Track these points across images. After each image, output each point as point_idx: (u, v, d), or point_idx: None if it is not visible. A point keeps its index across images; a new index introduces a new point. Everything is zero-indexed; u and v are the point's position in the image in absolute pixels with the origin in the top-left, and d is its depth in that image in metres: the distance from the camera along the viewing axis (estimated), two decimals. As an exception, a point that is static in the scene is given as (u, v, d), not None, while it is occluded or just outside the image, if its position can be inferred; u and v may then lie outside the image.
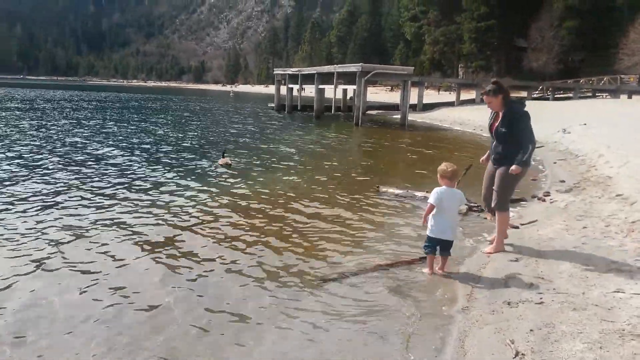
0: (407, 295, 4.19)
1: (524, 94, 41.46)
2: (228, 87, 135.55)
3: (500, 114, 5.01)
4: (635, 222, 5.61)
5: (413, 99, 31.88)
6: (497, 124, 5.05)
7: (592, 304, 3.62)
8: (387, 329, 3.60)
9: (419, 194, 7.93)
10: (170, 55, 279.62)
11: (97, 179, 9.08)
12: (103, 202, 7.32)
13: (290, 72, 35.02)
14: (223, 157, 11.35)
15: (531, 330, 3.32)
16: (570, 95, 41.98)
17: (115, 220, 6.36)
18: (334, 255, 5.25)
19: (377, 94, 55.43)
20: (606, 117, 19.63)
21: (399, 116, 27.29)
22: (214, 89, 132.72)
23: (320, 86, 30.29)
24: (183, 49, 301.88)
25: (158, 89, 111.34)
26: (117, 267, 4.81)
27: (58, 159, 11.27)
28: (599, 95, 43.87)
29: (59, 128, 18.48)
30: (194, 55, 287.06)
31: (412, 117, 29.05)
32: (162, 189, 8.45)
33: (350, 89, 29.68)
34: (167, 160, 11.77)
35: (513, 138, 4.90)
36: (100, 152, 12.65)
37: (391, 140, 18.88)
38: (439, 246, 4.55)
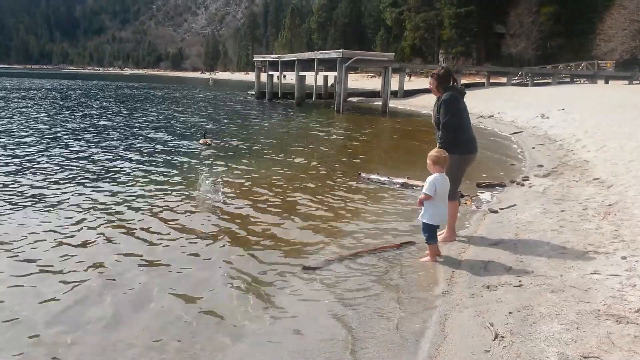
0: (388, 280, 4.21)
1: (503, 79, 41.80)
2: (207, 75, 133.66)
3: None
4: (612, 205, 5.71)
5: (394, 85, 31.94)
6: (433, 112, 5.09)
7: (569, 286, 3.68)
8: (368, 315, 3.61)
9: (399, 180, 7.96)
10: (147, 42, 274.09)
11: (82, 161, 8.95)
12: (85, 182, 7.20)
13: (271, 59, 34.73)
14: (204, 137, 12.40)
15: (510, 312, 3.36)
16: (549, 80, 42.46)
17: (90, 202, 6.26)
18: (315, 242, 5.25)
19: (359, 81, 55.35)
20: (584, 102, 19.91)
21: (380, 103, 27.34)
22: (192, 77, 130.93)
23: (301, 73, 30.12)
24: (160, 36, 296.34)
25: (135, 77, 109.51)
26: (89, 253, 4.77)
27: (45, 147, 11.06)
28: (577, 81, 44.49)
29: (41, 116, 18.06)
30: (172, 42, 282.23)
31: (393, 103, 29.10)
32: (141, 175, 8.34)
33: (331, 75, 29.57)
34: (147, 149, 11.60)
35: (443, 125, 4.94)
36: (86, 137, 12.41)
37: (372, 127, 18.90)
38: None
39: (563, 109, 16.87)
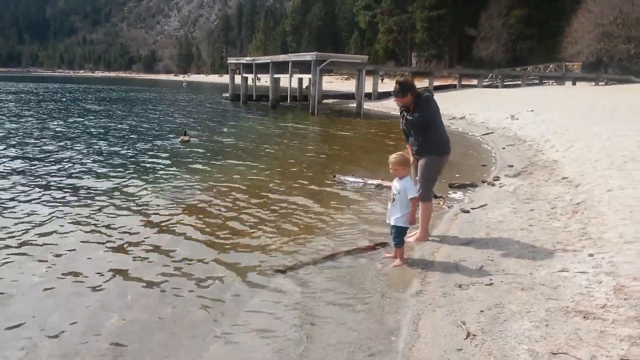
0: (362, 282, 4.22)
1: (474, 82, 42.52)
2: (180, 77, 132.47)
3: (412, 107, 5.03)
4: (579, 204, 5.85)
5: (368, 87, 32.15)
6: (409, 116, 5.06)
7: (539, 284, 3.75)
8: (341, 316, 3.61)
9: (374, 181, 8.01)
10: (119, 44, 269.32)
11: (56, 166, 8.73)
12: (53, 182, 7.03)
13: (245, 62, 34.58)
14: (185, 135, 12.86)
15: (481, 311, 3.41)
16: (519, 82, 43.35)
17: (63, 203, 6.11)
18: (290, 244, 5.23)
19: (333, 83, 55.55)
20: (552, 103, 20.37)
21: (354, 105, 27.48)
22: (165, 79, 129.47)
23: (276, 75, 30.08)
24: (132, 38, 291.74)
25: (106, 80, 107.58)
26: (66, 257, 4.67)
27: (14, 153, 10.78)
28: (546, 82, 45.56)
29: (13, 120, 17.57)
30: (144, 44, 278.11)
31: (368, 105, 29.29)
32: (115, 174, 8.20)
33: (306, 78, 29.60)
34: (121, 151, 11.41)
35: (425, 127, 4.98)
36: (63, 141, 12.11)
37: (347, 129, 18.97)
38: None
39: (532, 110, 17.23)
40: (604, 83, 43.80)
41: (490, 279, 3.92)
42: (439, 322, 3.38)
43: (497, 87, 40.47)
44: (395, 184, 4.55)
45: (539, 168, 8.61)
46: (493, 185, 7.78)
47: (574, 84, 43.34)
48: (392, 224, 4.55)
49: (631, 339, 2.88)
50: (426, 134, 4.97)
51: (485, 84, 42.21)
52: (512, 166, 9.24)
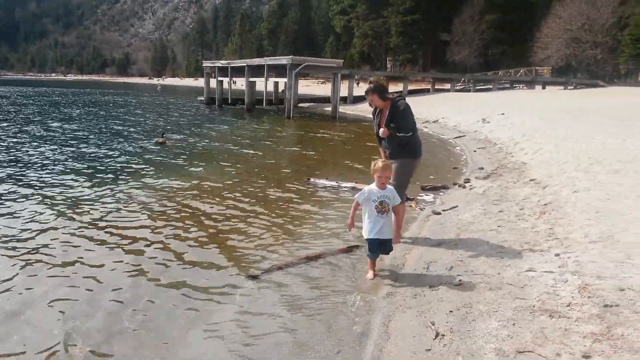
0: (335, 284, 4.23)
1: (447, 86, 43.12)
2: (155, 80, 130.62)
3: (387, 112, 5.08)
4: (547, 205, 5.98)
5: (344, 91, 32.31)
6: (385, 122, 5.09)
7: (506, 283, 3.82)
8: (314, 319, 3.61)
9: (348, 184, 8.04)
10: (92, 47, 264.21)
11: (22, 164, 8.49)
12: (25, 184, 6.84)
13: (220, 65, 34.34)
14: (162, 137, 12.92)
15: (450, 311, 3.45)
16: (490, 86, 44.15)
17: (26, 206, 5.96)
18: (264, 247, 5.20)
19: (309, 87, 55.60)
20: (522, 107, 20.79)
21: (330, 108, 27.57)
22: (139, 82, 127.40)
23: (251, 79, 29.96)
24: (105, 40, 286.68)
25: (79, 83, 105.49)
26: (29, 258, 4.56)
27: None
28: (517, 86, 46.53)
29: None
30: (118, 46, 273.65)
31: (343, 109, 29.42)
32: (87, 179, 8.05)
33: (282, 81, 29.57)
34: (95, 154, 11.19)
35: (400, 130, 5.00)
36: (37, 144, 11.80)
37: (322, 132, 19.01)
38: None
39: (503, 114, 17.55)
40: (572, 87, 44.90)
41: (460, 280, 3.97)
42: (409, 323, 3.41)
43: (469, 91, 41.12)
44: (386, 194, 4.26)
45: (509, 170, 8.77)
46: (464, 187, 7.89)
47: (543, 88, 44.35)
48: (385, 237, 4.28)
49: (594, 335, 2.95)
50: (411, 138, 5.02)
51: (458, 88, 42.83)
52: (482, 168, 9.39)
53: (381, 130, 5.04)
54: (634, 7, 46.56)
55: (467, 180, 8.30)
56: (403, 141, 4.99)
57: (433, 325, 3.28)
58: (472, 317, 3.34)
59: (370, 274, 4.33)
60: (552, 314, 3.27)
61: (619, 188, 6.05)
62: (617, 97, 28.78)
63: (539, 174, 7.72)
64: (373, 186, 4.29)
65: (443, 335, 3.14)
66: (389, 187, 4.34)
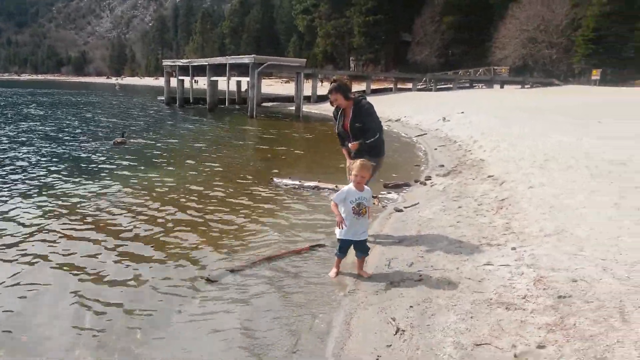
0: (297, 283, 4.21)
1: (409, 85, 43.76)
2: (113, 80, 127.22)
3: (350, 112, 5.04)
4: (504, 200, 6.14)
5: (308, 91, 32.32)
6: (349, 121, 5.06)
7: (465, 278, 3.89)
8: (275, 320, 3.58)
9: (311, 183, 8.03)
10: (47, 45, 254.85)
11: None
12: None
13: (181, 64, 33.76)
14: (122, 136, 12.80)
15: (411, 306, 3.49)
16: (451, 86, 45.06)
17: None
18: (225, 248, 5.13)
19: (273, 86, 55.39)
20: (481, 105, 21.31)
21: (293, 108, 27.52)
22: (97, 82, 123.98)
23: (213, 78, 29.56)
24: (61, 39, 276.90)
25: (34, 83, 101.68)
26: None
27: None
28: (476, 86, 47.70)
29: None
30: (74, 45, 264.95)
31: (307, 108, 29.42)
32: (48, 180, 7.73)
33: (244, 81, 29.33)
34: (51, 154, 10.79)
35: (367, 131, 4.98)
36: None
37: (286, 132, 18.96)
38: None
39: (462, 113, 17.93)
40: (529, 86, 46.39)
41: (420, 275, 4.02)
42: (371, 320, 3.42)
43: (430, 90, 41.84)
44: (364, 195, 4.18)
45: (468, 167, 8.96)
46: (425, 184, 8.01)
47: (502, 87, 45.65)
48: (361, 239, 4.22)
49: (548, 326, 3.04)
50: (377, 137, 4.98)
51: (419, 87, 43.54)
52: (442, 166, 9.57)
53: (351, 144, 4.97)
54: (587, 9, 48.45)
55: (428, 178, 8.43)
56: (371, 144, 4.95)
57: (394, 321, 3.31)
58: (432, 311, 3.39)
59: (332, 272, 4.32)
60: (509, 306, 3.35)
61: (572, 184, 6.27)
62: (571, 95, 29.89)
63: (497, 170, 7.92)
64: (351, 187, 4.19)
65: (403, 330, 3.18)
66: (367, 188, 4.26)
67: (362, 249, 4.26)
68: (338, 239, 4.26)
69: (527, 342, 2.88)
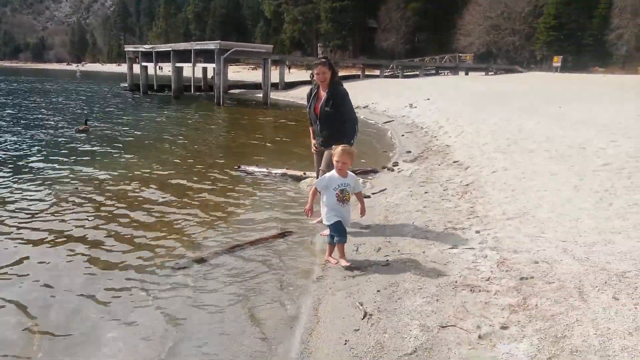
0: (265, 271, 4.18)
1: (377, 72, 43.93)
2: (74, 66, 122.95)
3: (323, 94, 4.91)
4: (468, 185, 6.25)
5: (275, 78, 32.05)
6: (320, 105, 4.91)
7: (430, 261, 3.95)
8: (243, 308, 3.56)
9: (278, 171, 7.98)
10: (2, 31, 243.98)
11: None
12: None
13: (143, 49, 32.87)
14: (85, 124, 12.59)
15: (378, 291, 3.52)
16: (417, 72, 45.48)
17: None
18: (192, 237, 5.06)
19: (240, 73, 54.77)
20: (447, 92, 21.60)
21: (261, 95, 27.25)
22: (57, 69, 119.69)
23: (178, 64, 28.95)
24: (18, 24, 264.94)
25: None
26: None
27: None
28: (442, 72, 48.25)
29: None
30: (32, 31, 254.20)
31: (275, 95, 29.18)
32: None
33: (210, 67, 28.83)
34: (9, 142, 10.38)
35: (338, 117, 4.88)
36: None
37: (253, 119, 18.78)
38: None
39: (428, 99, 18.14)
40: (493, 73, 47.27)
41: (387, 260, 4.06)
42: (338, 305, 3.44)
43: (397, 77, 42.15)
44: (347, 182, 4.06)
45: (434, 153, 9.08)
46: (392, 170, 8.08)
47: (466, 73, 46.34)
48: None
49: (511, 307, 3.11)
50: (354, 124, 4.89)
51: (387, 74, 43.78)
52: (409, 152, 9.66)
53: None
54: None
55: (396, 164, 8.50)
56: (346, 128, 4.82)
57: (361, 305, 3.33)
58: (399, 295, 3.43)
59: (343, 262, 4.07)
60: (473, 288, 3.42)
61: (533, 167, 6.43)
62: (533, 81, 30.59)
63: (462, 156, 8.05)
64: (334, 173, 4.07)
65: (371, 315, 3.20)
66: (351, 174, 4.15)
67: (339, 232, 4.09)
68: (328, 226, 4.12)
69: (491, 323, 2.94)
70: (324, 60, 4.89)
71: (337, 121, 4.89)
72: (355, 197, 4.27)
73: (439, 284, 3.53)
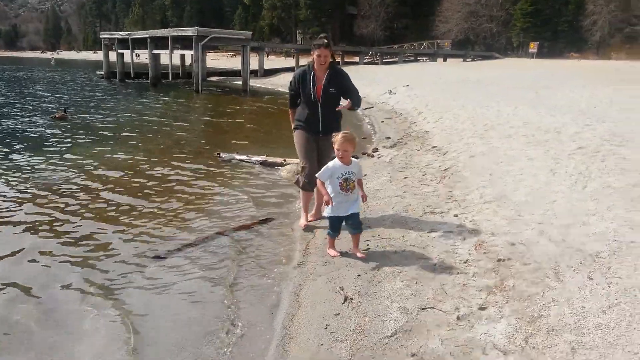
0: (246, 259, 4.18)
1: (356, 59, 43.84)
2: (49, 54, 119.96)
3: (322, 76, 4.57)
4: (447, 170, 6.31)
5: (255, 65, 31.75)
6: (322, 86, 4.55)
7: (410, 245, 3.99)
8: (224, 296, 3.56)
9: (259, 158, 7.95)
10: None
11: None
12: None
13: (120, 36, 32.23)
14: (64, 112, 12.53)
15: (358, 275, 3.54)
16: (396, 59, 45.54)
17: None
18: (172, 225, 5.02)
19: (219, 60, 54.06)
20: (425, 78, 21.70)
21: (240, 82, 26.98)
22: (31, 57, 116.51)
23: (155, 51, 28.47)
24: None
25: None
26: None
27: None
28: (420, 59, 48.42)
29: None
30: (4, 18, 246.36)
31: (254, 82, 28.94)
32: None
33: (189, 54, 28.41)
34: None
35: (339, 100, 4.65)
36: None
37: (232, 107, 18.59)
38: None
39: (407, 85, 18.19)
40: (471, 59, 47.61)
41: (367, 245, 4.08)
42: (319, 290, 3.45)
43: (377, 63, 42.14)
44: (351, 169, 3.84)
45: (413, 139, 9.13)
46: (372, 156, 8.10)
47: (445, 60, 46.59)
48: (354, 211, 3.88)
49: (489, 288, 3.17)
50: (335, 108, 4.59)
51: (366, 60, 43.72)
52: (389, 138, 9.69)
53: (346, 104, 4.57)
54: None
55: (376, 150, 8.52)
56: (353, 99, 4.60)
57: (342, 290, 3.35)
58: (379, 279, 3.45)
59: (332, 252, 3.99)
60: (451, 270, 3.47)
61: (510, 151, 6.51)
62: (510, 68, 30.89)
63: (440, 141, 8.11)
64: (337, 162, 3.85)
65: (351, 299, 3.22)
66: (354, 161, 3.93)
67: (354, 224, 3.90)
68: (326, 217, 4.02)
69: (470, 305, 2.99)
70: (325, 41, 4.45)
71: (337, 104, 4.62)
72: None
73: (418, 267, 3.57)
